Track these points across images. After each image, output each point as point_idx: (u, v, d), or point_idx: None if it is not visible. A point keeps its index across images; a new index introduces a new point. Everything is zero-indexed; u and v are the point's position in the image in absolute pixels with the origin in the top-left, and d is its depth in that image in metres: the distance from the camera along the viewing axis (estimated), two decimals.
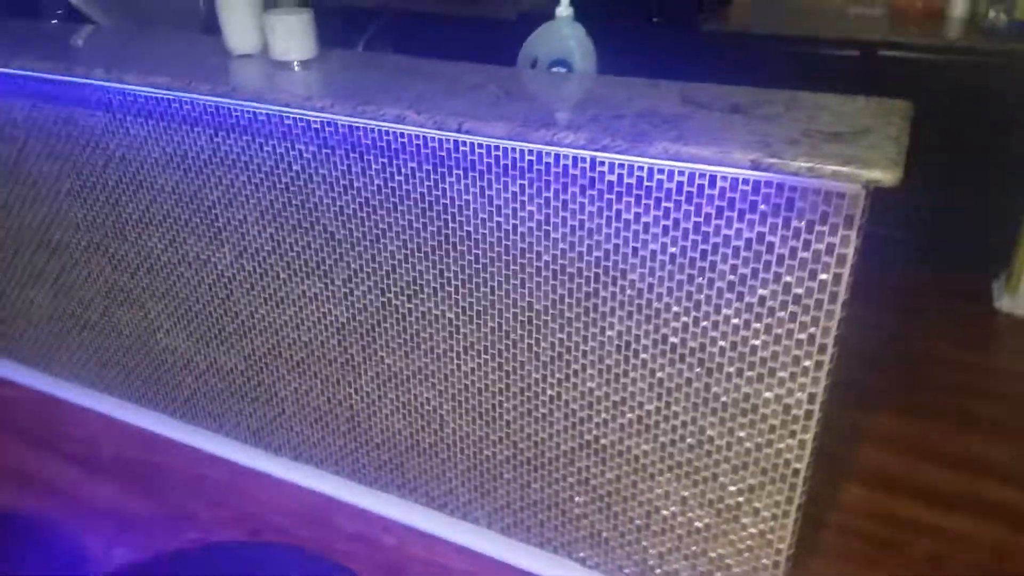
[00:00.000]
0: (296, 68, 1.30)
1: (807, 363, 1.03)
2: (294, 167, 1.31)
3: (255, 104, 1.26)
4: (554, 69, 1.20)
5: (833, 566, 1.49)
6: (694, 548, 1.29)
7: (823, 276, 0.96)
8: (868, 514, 1.61)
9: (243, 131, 1.32)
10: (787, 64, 2.32)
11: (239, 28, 1.32)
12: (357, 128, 1.20)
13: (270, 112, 1.27)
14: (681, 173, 0.97)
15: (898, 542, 1.55)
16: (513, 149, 1.07)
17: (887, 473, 1.71)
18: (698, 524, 1.26)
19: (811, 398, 1.06)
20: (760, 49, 2.43)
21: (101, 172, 1.57)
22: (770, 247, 0.97)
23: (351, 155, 1.24)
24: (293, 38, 1.26)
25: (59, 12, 1.98)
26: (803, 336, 1.01)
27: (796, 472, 1.13)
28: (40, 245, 1.79)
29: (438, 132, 1.10)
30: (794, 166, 0.86)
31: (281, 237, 1.41)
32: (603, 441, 1.27)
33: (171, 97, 1.36)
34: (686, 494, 1.24)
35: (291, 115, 1.25)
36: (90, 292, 1.78)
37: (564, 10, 1.18)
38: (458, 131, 1.05)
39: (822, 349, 1.01)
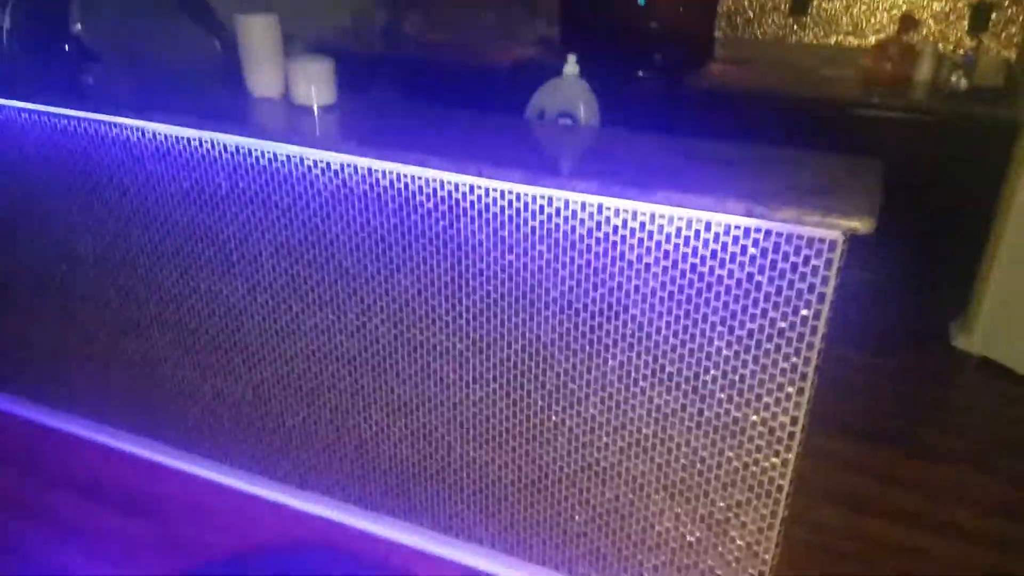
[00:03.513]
0: (316, 112, 1.39)
1: (790, 389, 1.14)
2: (312, 205, 1.39)
3: (279, 145, 1.35)
4: (561, 120, 1.31)
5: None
6: (686, 561, 1.39)
7: (804, 312, 1.07)
8: (838, 531, 1.73)
9: (263, 171, 1.40)
10: (766, 118, 2.47)
11: (261, 72, 1.40)
12: (376, 170, 1.30)
13: (290, 154, 1.35)
14: (680, 219, 1.09)
15: (868, 557, 1.67)
16: (525, 193, 1.18)
17: (855, 494, 1.84)
18: (690, 538, 1.36)
19: (793, 420, 1.17)
20: (741, 104, 2.59)
21: (114, 207, 1.62)
22: (758, 286, 1.08)
23: (369, 195, 1.33)
24: (315, 84, 1.35)
25: (66, 47, 2.03)
26: (787, 365, 1.12)
27: (780, 488, 1.24)
28: (46, 277, 1.82)
29: (457, 176, 1.20)
30: (782, 215, 0.98)
31: (296, 272, 1.49)
32: (603, 463, 1.36)
33: (192, 136, 1.43)
34: (679, 510, 1.34)
35: (312, 157, 1.34)
36: (96, 324, 1.82)
37: (571, 68, 1.30)
38: (478, 175, 1.15)
39: (803, 377, 1.13)
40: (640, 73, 2.54)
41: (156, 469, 1.90)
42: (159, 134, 1.47)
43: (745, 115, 2.54)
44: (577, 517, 1.44)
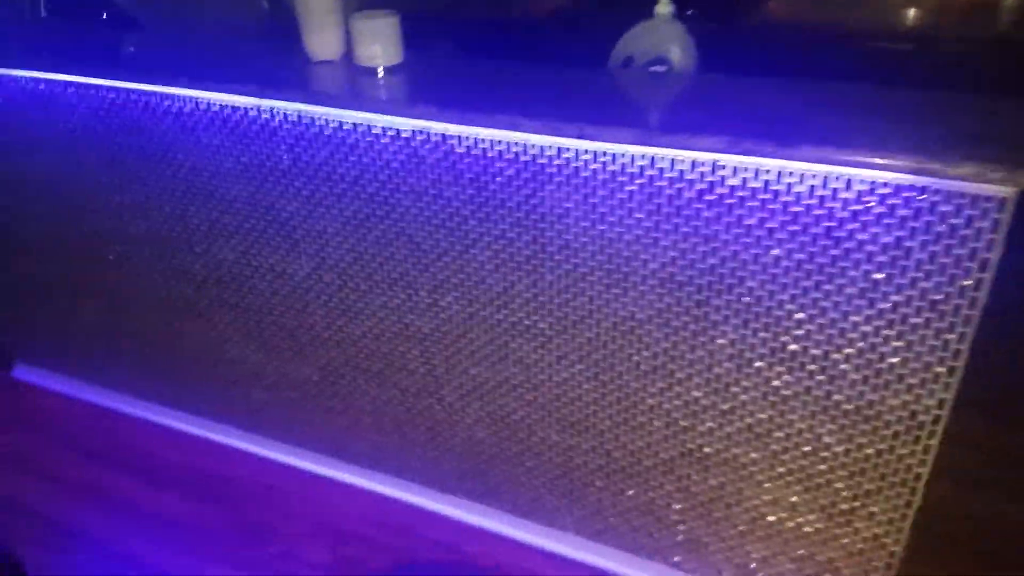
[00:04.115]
0: (381, 74, 1.26)
1: (939, 369, 0.99)
2: (380, 177, 1.28)
3: (345, 112, 1.23)
4: (653, 68, 1.16)
5: (939, 567, 1.45)
6: (801, 552, 1.27)
7: (964, 282, 0.92)
8: (963, 516, 1.57)
9: (327, 141, 1.29)
10: (838, 55, 2.22)
11: (320, 32, 1.28)
12: (450, 136, 1.17)
13: (357, 121, 1.24)
14: (815, 176, 0.93)
15: (1002, 547, 1.51)
16: (624, 155, 1.04)
17: (977, 477, 1.66)
18: (807, 528, 1.24)
19: (940, 404, 1.02)
20: (805, 41, 2.33)
21: (168, 183, 1.54)
22: (908, 252, 0.93)
23: (442, 164, 1.20)
24: (380, 43, 1.22)
25: (104, 15, 1.94)
26: (937, 343, 0.97)
27: (918, 477, 1.10)
28: (96, 259, 1.76)
29: (544, 138, 1.07)
30: (959, 170, 0.82)
31: (363, 248, 1.38)
32: (707, 449, 1.24)
33: (250, 105, 1.33)
34: (795, 499, 1.22)
35: (380, 123, 1.22)
36: (151, 305, 1.76)
37: (664, 7, 1.14)
38: (578, 137, 1.02)
39: (956, 355, 0.97)
40: (689, 12, 2.26)
41: (224, 451, 1.87)
42: (215, 104, 1.36)
43: (814, 53, 2.28)
44: (675, 505, 1.33)
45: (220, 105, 1.36)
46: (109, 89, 1.48)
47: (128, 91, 1.45)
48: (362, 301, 1.46)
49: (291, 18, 1.67)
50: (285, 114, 1.31)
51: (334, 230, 1.39)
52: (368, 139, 1.25)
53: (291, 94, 1.27)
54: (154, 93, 1.42)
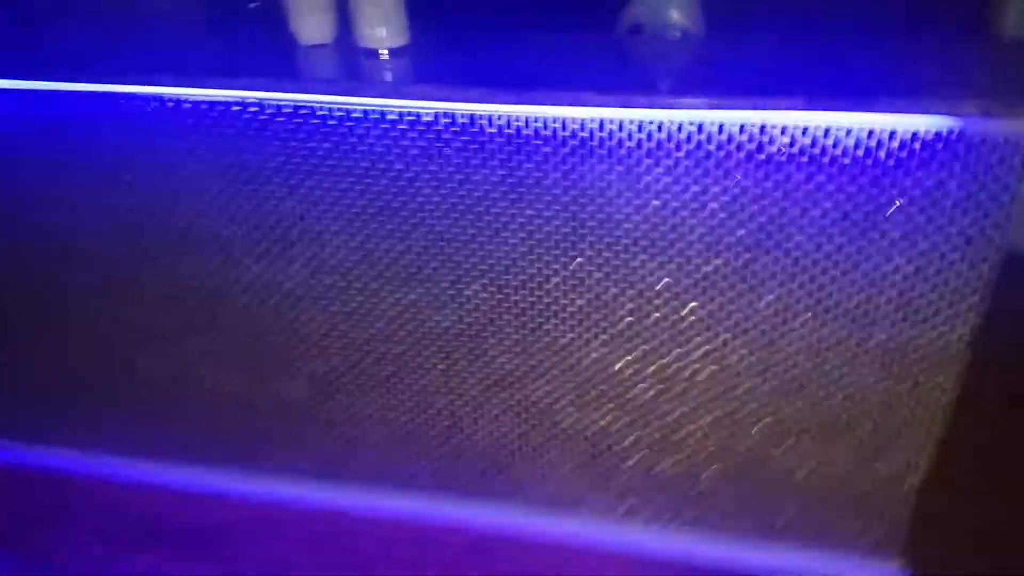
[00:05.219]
0: (386, 56, 1.19)
1: (973, 299, 1.09)
2: (396, 167, 1.20)
3: (352, 100, 1.14)
4: (670, 34, 1.18)
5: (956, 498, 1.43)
6: (830, 497, 1.34)
7: (996, 216, 1.01)
8: (980, 447, 1.55)
9: (330, 132, 1.19)
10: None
11: (312, 13, 1.18)
12: (479, 117, 1.12)
13: (368, 108, 1.15)
14: (862, 129, 0.99)
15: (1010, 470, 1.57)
16: (670, 122, 1.05)
17: (995, 412, 1.63)
18: (836, 473, 1.31)
19: (962, 338, 1.12)
20: None
21: (122, 197, 1.35)
22: (946, 193, 1.01)
23: (470, 147, 1.15)
24: (385, 22, 1.15)
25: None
26: (971, 275, 1.07)
27: (946, 408, 1.20)
28: (29, 293, 1.52)
29: (593, 111, 1.05)
30: (994, 110, 0.90)
31: (373, 244, 1.29)
32: (744, 411, 1.28)
33: (230, 99, 1.20)
34: (828, 446, 1.29)
35: (397, 109, 1.14)
36: (104, 342, 1.55)
37: None
38: (623, 107, 1.01)
39: (987, 285, 1.07)
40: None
41: (209, 499, 1.67)
42: (183, 100, 1.22)
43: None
44: (707, 473, 1.36)
45: (190, 101, 1.22)
46: (36, 92, 1.28)
47: (64, 93, 1.26)
48: (370, 302, 1.37)
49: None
50: (278, 106, 1.19)
51: (337, 228, 1.29)
52: (382, 127, 1.17)
53: (285, 83, 1.16)
54: (101, 93, 1.25)
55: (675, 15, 1.17)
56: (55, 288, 1.50)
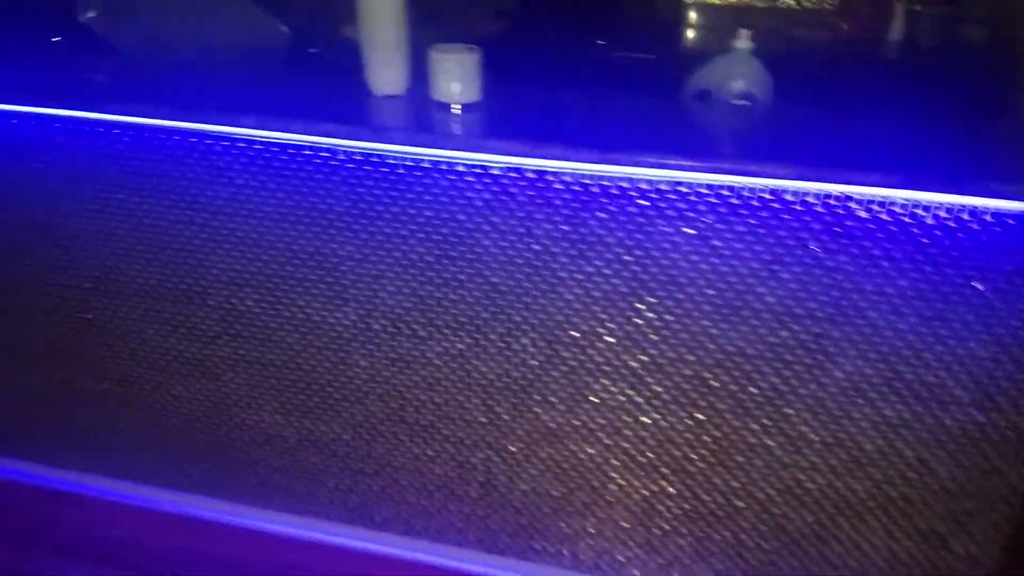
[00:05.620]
0: (459, 110, 1.19)
1: None
2: (458, 217, 1.19)
3: (424, 151, 1.14)
4: (739, 102, 1.18)
5: None
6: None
7: None
8: None
9: (398, 180, 1.19)
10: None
11: (388, 66, 1.19)
12: (547, 173, 1.12)
13: (438, 159, 1.15)
14: (949, 206, 0.97)
15: None
16: (745, 188, 1.03)
17: None
18: (902, 555, 1.25)
19: None
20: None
21: (181, 231, 1.36)
22: None
23: (535, 201, 1.15)
24: (460, 78, 1.16)
25: (56, 39, 1.68)
26: None
27: (1019, 494, 1.14)
28: (72, 320, 1.52)
29: (667, 173, 1.04)
30: None
31: (426, 292, 1.28)
32: (808, 484, 1.23)
33: (302, 143, 1.21)
34: (893, 527, 1.22)
35: (464, 161, 1.14)
36: (136, 370, 1.54)
37: (744, 42, 1.16)
38: (698, 171, 1.00)
39: None
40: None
41: (227, 534, 1.64)
42: (256, 142, 1.23)
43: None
44: (767, 544, 1.30)
45: (263, 143, 1.23)
46: (111, 125, 1.30)
47: (140, 127, 1.29)
48: (417, 349, 1.35)
49: (320, 44, 1.56)
50: (349, 153, 1.20)
51: (393, 274, 1.28)
52: (450, 178, 1.17)
53: (359, 131, 1.17)
54: (175, 130, 1.27)
55: (742, 82, 1.17)
56: (104, 315, 1.50)
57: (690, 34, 1.66)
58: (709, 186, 1.03)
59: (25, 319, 1.55)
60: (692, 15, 1.82)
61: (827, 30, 1.81)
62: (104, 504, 1.71)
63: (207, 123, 1.21)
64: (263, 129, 1.19)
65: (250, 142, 1.23)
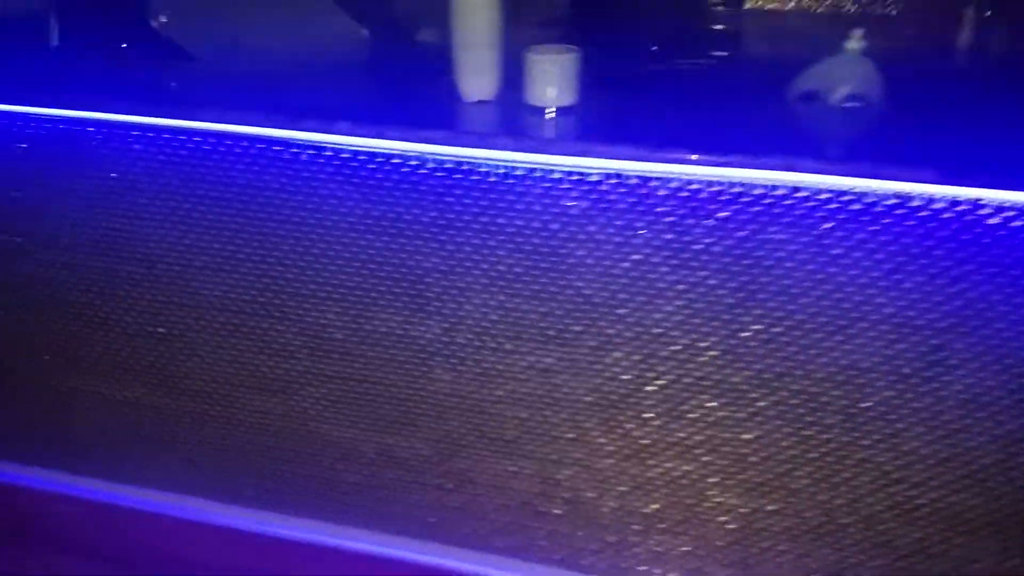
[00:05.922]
0: (553, 115, 1.16)
1: None
2: (551, 226, 1.16)
3: (516, 156, 1.11)
4: (848, 104, 1.13)
5: None
6: None
7: None
8: None
9: (489, 189, 1.16)
10: None
11: (480, 71, 1.16)
12: (651, 178, 1.08)
13: (532, 166, 1.12)
14: None
15: None
16: (870, 193, 0.99)
17: None
18: (1007, 566, 1.19)
19: None
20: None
21: (259, 244, 1.34)
22: None
23: (636, 209, 1.11)
24: (557, 82, 1.13)
25: (123, 45, 1.63)
26: None
27: None
28: (142, 334, 1.51)
29: (784, 176, 1.00)
30: None
31: (514, 304, 1.25)
32: (918, 500, 1.17)
33: (390, 151, 1.18)
34: (1008, 544, 1.17)
35: (561, 168, 1.11)
36: (208, 386, 1.52)
37: (856, 42, 1.12)
38: (819, 173, 0.96)
39: None
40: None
41: (297, 550, 1.61)
42: (342, 150, 1.21)
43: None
44: (872, 562, 1.25)
45: (351, 151, 1.21)
46: (191, 132, 1.28)
47: (222, 135, 1.27)
48: (503, 363, 1.31)
49: (400, 49, 1.52)
50: (437, 160, 1.17)
51: (479, 286, 1.25)
52: (544, 185, 1.14)
53: (452, 138, 1.14)
54: (261, 138, 1.25)
55: (853, 84, 1.12)
56: (178, 328, 1.48)
57: (775, 38, 1.62)
58: (831, 190, 0.99)
59: (98, 331, 1.54)
60: (782, 21, 1.78)
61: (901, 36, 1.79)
62: (162, 519, 1.69)
63: (296, 130, 1.19)
64: (357, 136, 1.16)
65: (337, 150, 1.21)
